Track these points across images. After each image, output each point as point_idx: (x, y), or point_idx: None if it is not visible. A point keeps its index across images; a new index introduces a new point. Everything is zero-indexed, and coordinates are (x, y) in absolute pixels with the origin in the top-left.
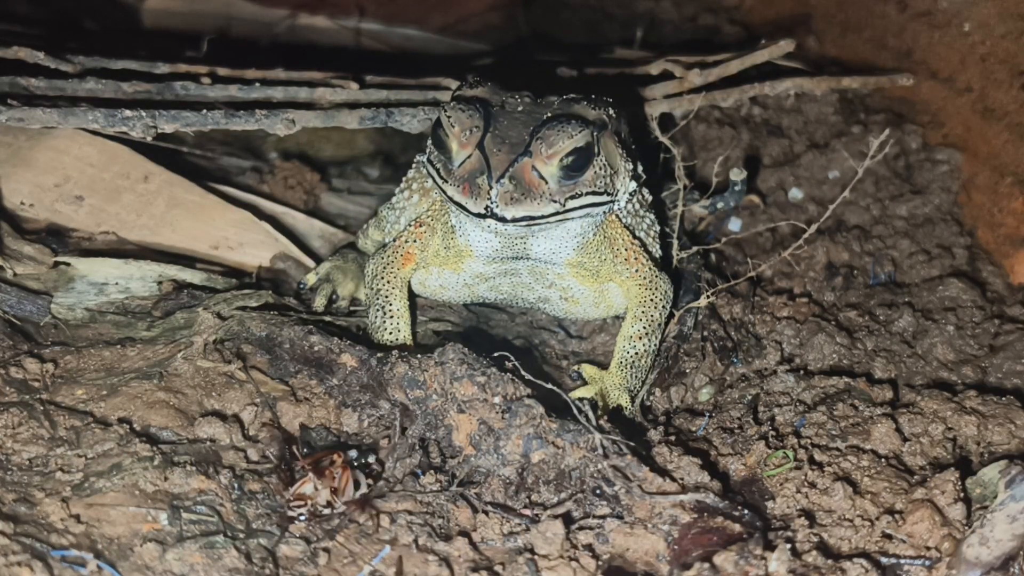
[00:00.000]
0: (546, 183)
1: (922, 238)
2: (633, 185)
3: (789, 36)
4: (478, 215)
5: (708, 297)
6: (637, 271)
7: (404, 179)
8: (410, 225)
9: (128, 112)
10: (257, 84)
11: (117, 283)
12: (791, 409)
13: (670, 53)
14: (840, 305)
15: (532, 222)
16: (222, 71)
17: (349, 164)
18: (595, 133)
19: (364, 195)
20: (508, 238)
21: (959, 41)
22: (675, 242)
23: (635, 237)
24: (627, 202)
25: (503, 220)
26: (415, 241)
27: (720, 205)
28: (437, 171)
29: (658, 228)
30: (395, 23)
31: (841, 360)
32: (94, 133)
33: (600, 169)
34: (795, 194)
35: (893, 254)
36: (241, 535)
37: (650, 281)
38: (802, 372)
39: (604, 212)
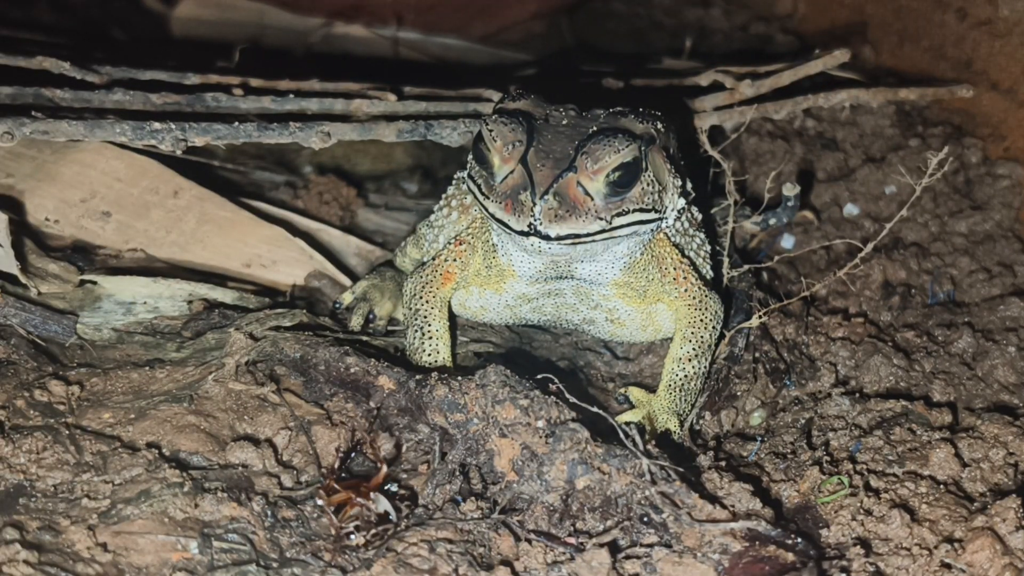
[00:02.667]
0: (592, 200)
1: (982, 255)
2: (682, 202)
3: (844, 46)
4: (521, 233)
5: (760, 317)
6: (687, 291)
7: (443, 195)
8: (450, 243)
9: (157, 125)
10: (291, 95)
11: (145, 302)
12: (846, 433)
13: (720, 63)
14: (897, 325)
15: (577, 240)
16: (255, 82)
17: (387, 179)
18: (642, 147)
19: (402, 211)
20: (552, 257)
21: (1021, 51)
22: (726, 259)
23: (684, 256)
24: (676, 220)
25: (547, 238)
26: (455, 260)
27: (772, 221)
28: (478, 187)
29: (708, 248)
30: (434, 32)
31: (898, 383)
32: (122, 146)
33: (648, 185)
34: (850, 210)
35: (952, 272)
36: (275, 564)
37: (700, 301)
38: (857, 395)
39: (652, 230)
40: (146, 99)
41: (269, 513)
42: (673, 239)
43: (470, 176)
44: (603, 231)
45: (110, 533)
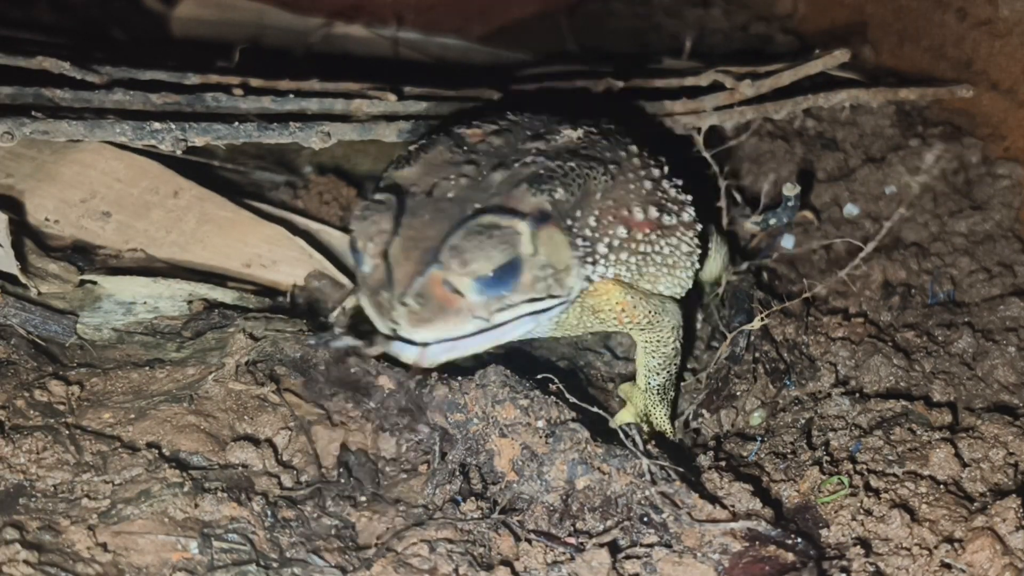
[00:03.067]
0: (463, 296)
1: (982, 256)
2: (599, 270)
3: (844, 46)
4: (387, 337)
5: (762, 320)
6: (634, 323)
7: None
8: None
9: (157, 124)
10: (291, 95)
11: (145, 302)
12: (846, 433)
13: (720, 63)
14: (897, 325)
15: (455, 342)
16: (255, 82)
17: None
18: (532, 228)
19: None
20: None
21: (1021, 51)
22: (718, 254)
23: (631, 289)
24: (618, 260)
25: (412, 344)
26: None
27: (772, 221)
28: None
29: (688, 246)
30: (434, 32)
31: (898, 383)
32: (121, 147)
33: (539, 271)
34: (850, 210)
35: (952, 272)
36: (275, 564)
37: (651, 323)
38: (857, 395)
39: (558, 312)
40: (146, 99)
41: (269, 513)
42: (623, 276)
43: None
44: (483, 331)
45: (110, 533)
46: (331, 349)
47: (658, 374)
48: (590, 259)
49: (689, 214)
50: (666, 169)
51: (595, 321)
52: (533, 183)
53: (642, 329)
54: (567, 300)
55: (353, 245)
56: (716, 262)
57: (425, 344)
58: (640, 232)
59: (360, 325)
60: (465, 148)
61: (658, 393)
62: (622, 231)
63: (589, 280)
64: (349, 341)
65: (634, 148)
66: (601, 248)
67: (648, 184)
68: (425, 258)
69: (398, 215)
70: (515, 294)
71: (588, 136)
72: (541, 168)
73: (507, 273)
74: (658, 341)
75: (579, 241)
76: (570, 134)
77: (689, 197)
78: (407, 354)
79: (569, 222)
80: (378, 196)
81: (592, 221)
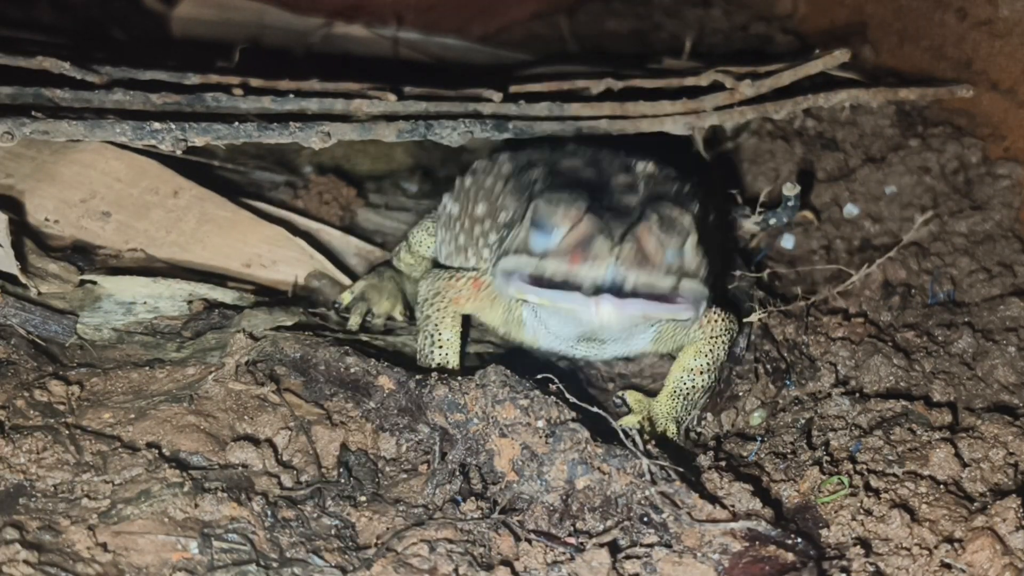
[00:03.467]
0: (663, 252)
1: (983, 256)
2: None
3: (844, 46)
4: (591, 291)
5: (759, 318)
6: (710, 331)
7: (448, 216)
8: (468, 279)
9: (157, 124)
10: (291, 95)
11: (145, 302)
12: (846, 433)
13: (720, 63)
14: (897, 325)
15: (652, 298)
16: (255, 82)
17: (387, 179)
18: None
19: (402, 211)
20: (593, 332)
21: (1021, 51)
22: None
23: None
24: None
25: (619, 292)
26: (469, 299)
27: (772, 221)
28: (529, 277)
29: (721, 249)
30: (434, 32)
31: (898, 383)
32: (121, 147)
33: (702, 256)
34: (850, 210)
35: (952, 272)
36: (275, 564)
37: (722, 326)
38: (857, 395)
39: (695, 317)
40: (146, 99)
41: (269, 513)
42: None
43: (502, 262)
44: (670, 292)
45: (110, 533)
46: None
47: (700, 374)
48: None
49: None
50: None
51: (683, 335)
52: (675, 199)
53: (711, 335)
54: (702, 303)
55: (544, 212)
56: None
57: (635, 291)
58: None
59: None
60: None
61: (684, 399)
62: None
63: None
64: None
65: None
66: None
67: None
68: (632, 218)
69: (586, 195)
70: (693, 268)
71: (657, 168)
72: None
73: (689, 244)
74: (718, 338)
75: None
76: (644, 167)
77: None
78: (604, 312)
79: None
80: (554, 190)
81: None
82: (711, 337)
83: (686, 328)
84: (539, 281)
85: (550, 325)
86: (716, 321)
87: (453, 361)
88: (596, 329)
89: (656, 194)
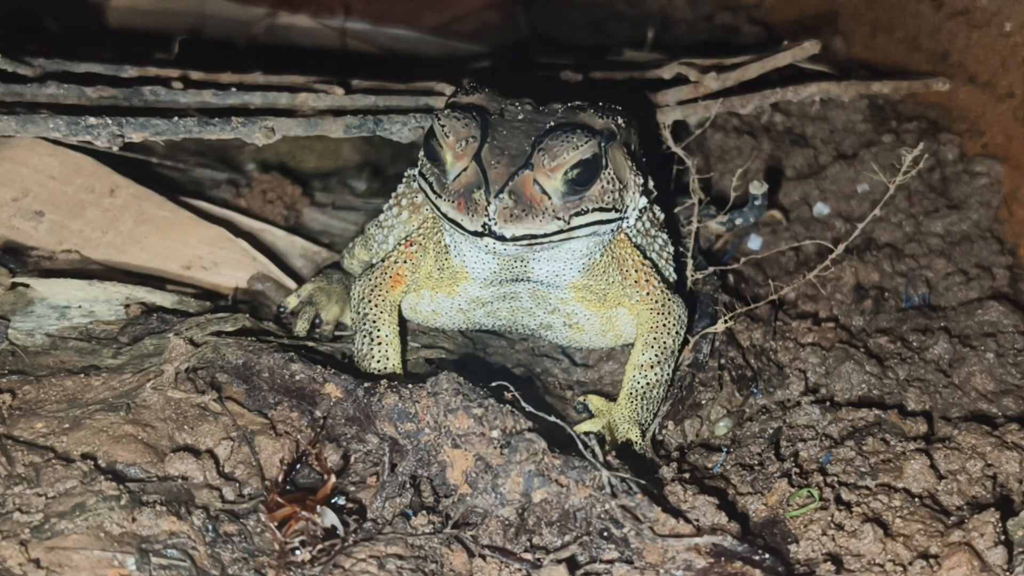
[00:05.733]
0: (549, 198)
1: (959, 257)
2: (644, 201)
3: (814, 37)
4: (474, 233)
5: (726, 322)
6: (648, 294)
7: (393, 194)
8: (400, 244)
9: (92, 119)
10: (233, 89)
11: (80, 306)
12: (816, 444)
13: (684, 55)
14: (870, 330)
15: (534, 241)
16: (195, 75)
17: (334, 176)
18: (602, 144)
19: (350, 210)
20: (507, 259)
21: (999, 42)
22: (689, 262)
23: (646, 258)
24: (637, 220)
25: (502, 239)
26: (405, 262)
27: (739, 221)
28: (430, 185)
29: (672, 249)
30: (384, 23)
31: (871, 390)
32: (55, 142)
33: (608, 183)
34: (820, 209)
35: (928, 275)
36: None
37: (662, 305)
38: (828, 403)
39: (613, 230)
40: (81, 93)
41: (210, 528)
42: (635, 240)
43: (421, 174)
44: (561, 231)
45: (43, 548)
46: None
47: (651, 368)
48: (642, 188)
49: (662, 213)
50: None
51: (617, 276)
52: (598, 110)
53: (652, 307)
54: (625, 218)
55: (433, 154)
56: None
57: (514, 239)
58: (649, 210)
59: (302, 319)
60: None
61: (643, 397)
62: (644, 201)
63: (640, 212)
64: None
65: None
66: (648, 183)
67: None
68: (516, 162)
69: (483, 127)
70: (589, 200)
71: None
72: (599, 103)
73: (586, 175)
74: (663, 326)
75: (635, 166)
76: (584, 103)
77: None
78: (489, 246)
79: (629, 149)
80: (456, 111)
81: (641, 155)
82: (652, 328)
83: (616, 265)
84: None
85: (467, 258)
86: (655, 304)
87: (394, 359)
88: (506, 261)
89: (565, 124)
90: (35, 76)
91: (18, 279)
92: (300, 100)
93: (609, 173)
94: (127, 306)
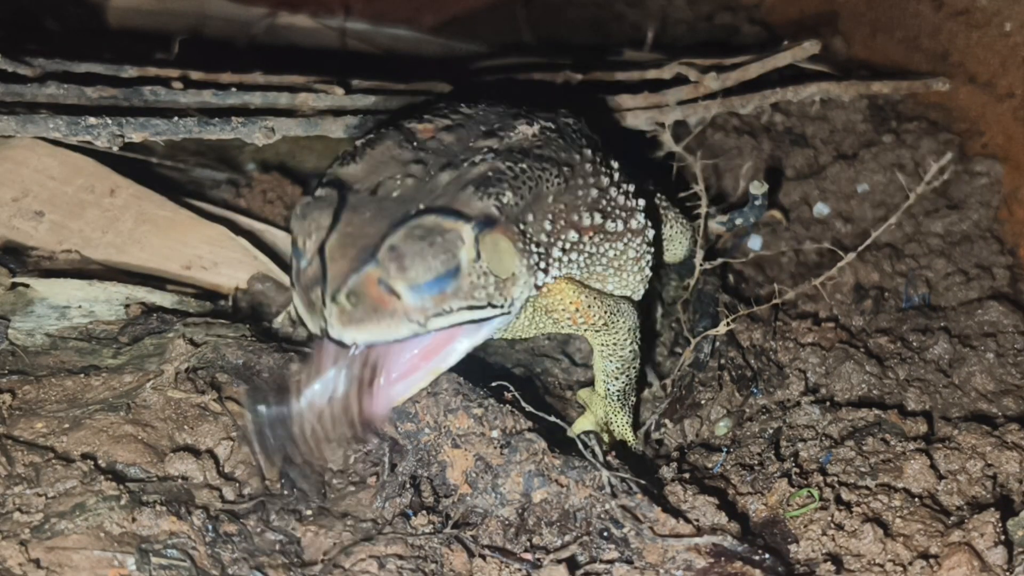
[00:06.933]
0: (399, 298)
1: (959, 257)
2: (542, 277)
3: (814, 37)
4: (316, 335)
5: (728, 324)
6: (590, 326)
7: None
8: None
9: (93, 119)
10: (233, 89)
11: (80, 306)
12: (816, 444)
13: (684, 55)
14: (870, 330)
15: (406, 379)
16: (195, 75)
17: None
18: (476, 237)
19: None
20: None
21: (1000, 42)
22: (699, 254)
23: (584, 287)
24: (569, 260)
25: (340, 344)
26: None
27: (739, 221)
28: (294, 272)
29: (635, 251)
30: (383, 22)
31: (871, 390)
32: (55, 143)
33: (479, 278)
34: (820, 209)
35: (928, 275)
36: None
37: (607, 324)
38: (828, 403)
39: (498, 325)
40: (81, 93)
41: (210, 528)
42: (574, 274)
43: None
44: (416, 334)
45: (43, 549)
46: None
47: (617, 379)
48: (543, 264)
49: (638, 221)
50: (616, 176)
51: (549, 322)
52: (480, 186)
53: (597, 331)
54: (508, 312)
55: (293, 241)
56: (679, 245)
57: (355, 345)
58: (586, 236)
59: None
60: (415, 145)
61: (618, 399)
62: (573, 235)
63: (537, 288)
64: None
65: (588, 152)
66: (556, 252)
67: (594, 192)
68: (362, 256)
69: (338, 211)
70: (452, 299)
71: (544, 133)
72: (490, 170)
73: (445, 282)
74: (615, 343)
75: (532, 247)
76: (525, 131)
77: (640, 202)
78: (332, 352)
79: (520, 227)
80: (319, 192)
81: (547, 225)
82: (603, 344)
83: (544, 315)
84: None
85: None
86: (599, 328)
87: None
88: None
89: (437, 207)
90: (35, 76)
91: (18, 279)
92: (300, 100)
93: (480, 267)
94: (127, 306)
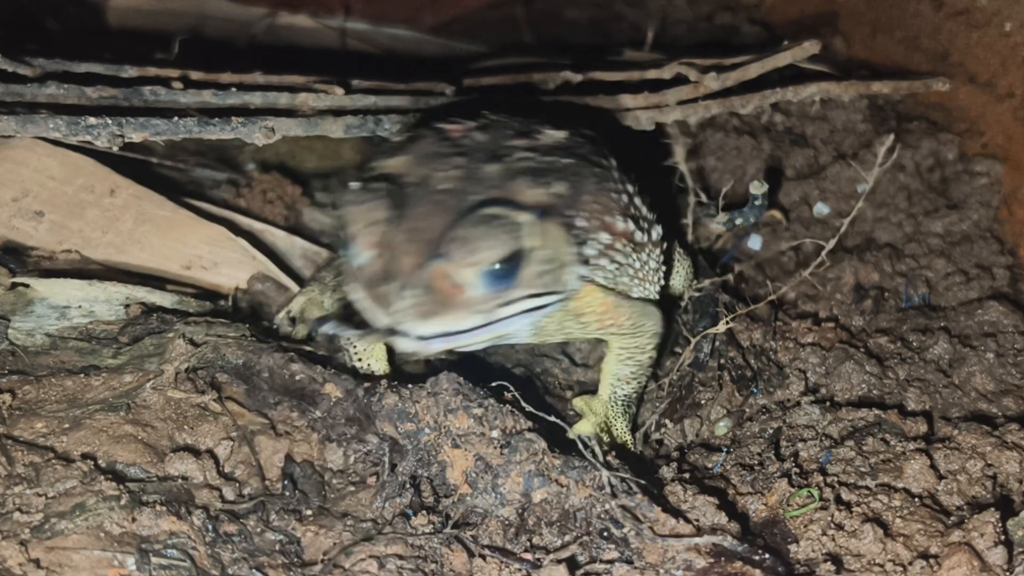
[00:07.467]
0: (466, 291)
1: (959, 257)
2: (583, 270)
3: (814, 36)
4: (383, 331)
5: (727, 323)
6: (615, 328)
7: None
8: None
9: (92, 119)
10: (233, 89)
11: (80, 306)
12: (816, 444)
13: (684, 55)
14: (870, 330)
15: (451, 337)
16: (195, 75)
17: (334, 176)
18: (534, 225)
19: None
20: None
21: (1000, 42)
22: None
23: (611, 292)
24: (598, 265)
25: (413, 338)
26: None
27: (739, 221)
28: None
29: (655, 263)
30: (383, 23)
31: (871, 390)
32: (55, 143)
33: (541, 264)
34: (820, 209)
35: (928, 275)
36: None
37: (634, 325)
38: (828, 403)
39: (556, 308)
40: (81, 93)
41: (210, 528)
42: (598, 281)
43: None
44: (484, 325)
45: (43, 548)
46: (320, 335)
47: (628, 383)
48: (582, 258)
49: (657, 232)
50: (637, 187)
51: (576, 327)
52: (534, 176)
53: (623, 333)
54: (565, 296)
55: (345, 232)
56: (679, 277)
57: (426, 337)
58: (618, 242)
59: (300, 324)
60: (452, 141)
61: (623, 404)
62: (605, 237)
63: (581, 279)
64: (341, 329)
65: (612, 160)
66: (588, 250)
67: (625, 197)
68: (428, 250)
69: (395, 204)
70: (517, 288)
71: (572, 138)
72: (537, 162)
73: (510, 267)
74: (636, 347)
75: (574, 238)
76: (554, 134)
77: (657, 215)
78: (404, 346)
79: (566, 217)
80: (369, 186)
81: (582, 221)
82: (623, 347)
83: (572, 318)
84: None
85: None
86: (625, 331)
87: (378, 368)
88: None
89: (492, 198)
90: (35, 76)
91: (18, 279)
92: (300, 100)
93: (542, 254)
94: (127, 306)
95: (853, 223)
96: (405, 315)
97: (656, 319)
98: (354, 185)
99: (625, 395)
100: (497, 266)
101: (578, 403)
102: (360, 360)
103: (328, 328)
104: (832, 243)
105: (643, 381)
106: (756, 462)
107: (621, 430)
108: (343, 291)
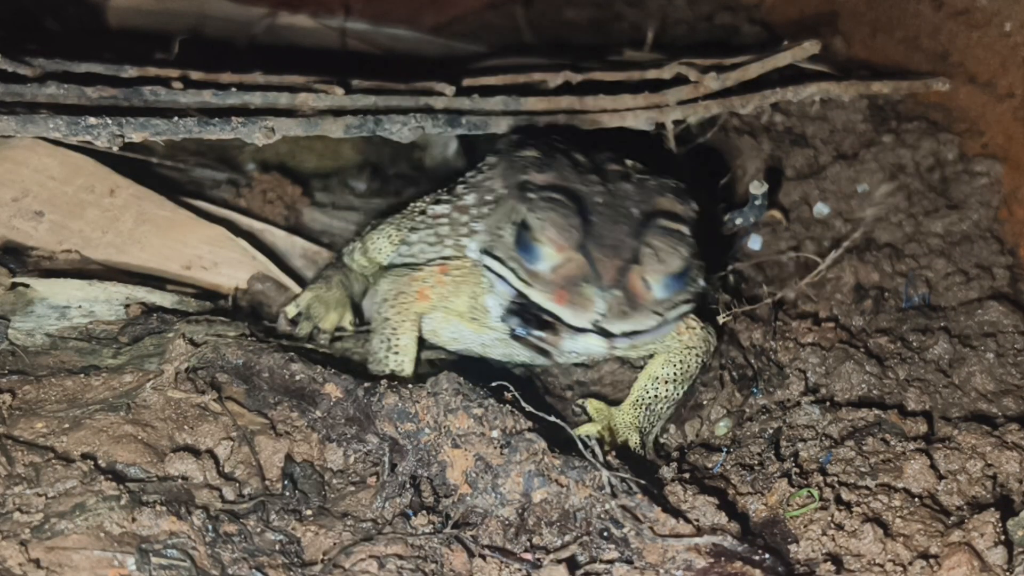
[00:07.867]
0: (651, 293)
1: (959, 257)
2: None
3: (814, 37)
4: (578, 329)
5: (725, 319)
6: (687, 339)
7: (430, 216)
8: (434, 266)
9: (93, 119)
10: (233, 89)
11: (80, 306)
12: (816, 444)
13: (684, 55)
14: (870, 330)
15: (636, 336)
16: (195, 75)
17: (334, 176)
18: (692, 238)
19: (350, 210)
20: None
21: (1000, 42)
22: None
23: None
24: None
25: (609, 335)
26: (434, 287)
27: (739, 221)
28: (513, 271)
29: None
30: (383, 23)
31: (871, 390)
32: (55, 143)
33: (695, 271)
34: (820, 209)
35: (928, 275)
36: None
37: (701, 338)
38: (828, 403)
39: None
40: (81, 93)
41: (210, 528)
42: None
43: (492, 254)
44: (659, 325)
45: (43, 548)
46: (520, 339)
47: (667, 384)
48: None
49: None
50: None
51: (657, 343)
52: (676, 193)
53: (690, 348)
54: (696, 303)
55: (538, 233)
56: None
57: (621, 335)
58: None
59: (304, 322)
60: (569, 160)
61: (649, 408)
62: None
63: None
64: (526, 329)
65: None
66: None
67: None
68: (624, 255)
69: (579, 213)
70: (684, 292)
71: (635, 163)
72: (666, 180)
73: (685, 275)
74: (692, 351)
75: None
76: (628, 162)
77: None
78: (594, 345)
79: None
80: (549, 199)
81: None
82: (685, 347)
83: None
84: (524, 309)
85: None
86: (693, 329)
87: (408, 369)
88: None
89: (651, 211)
90: (35, 76)
91: (18, 279)
92: (300, 100)
93: (696, 263)
94: (127, 306)
95: (853, 223)
96: (609, 313)
97: (714, 336)
98: (534, 198)
99: (656, 395)
100: (678, 274)
101: (593, 405)
102: (397, 354)
103: (516, 328)
104: (833, 256)
105: (678, 392)
106: (756, 462)
107: (634, 438)
108: (348, 289)
